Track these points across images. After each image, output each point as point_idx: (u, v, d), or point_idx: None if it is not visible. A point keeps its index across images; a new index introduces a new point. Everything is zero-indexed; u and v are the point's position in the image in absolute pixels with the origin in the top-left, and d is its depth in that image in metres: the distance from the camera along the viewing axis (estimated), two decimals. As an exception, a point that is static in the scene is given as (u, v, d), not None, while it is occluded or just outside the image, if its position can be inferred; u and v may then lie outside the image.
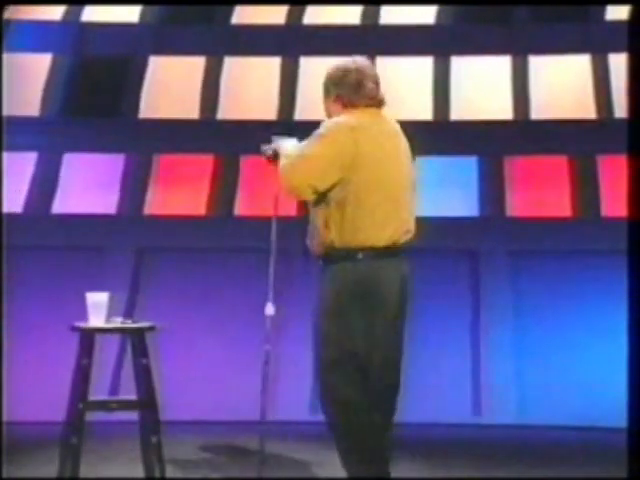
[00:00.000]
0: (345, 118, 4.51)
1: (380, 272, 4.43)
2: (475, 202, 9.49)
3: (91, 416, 5.14)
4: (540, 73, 9.87)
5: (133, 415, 5.31)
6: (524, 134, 9.60)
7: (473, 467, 6.65)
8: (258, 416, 5.21)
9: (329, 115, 4.65)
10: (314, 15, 10.11)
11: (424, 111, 9.76)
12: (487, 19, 9.99)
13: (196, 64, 10.04)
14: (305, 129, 4.58)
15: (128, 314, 7.56)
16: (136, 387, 5.25)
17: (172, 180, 9.69)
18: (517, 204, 9.50)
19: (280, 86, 9.96)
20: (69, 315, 5.32)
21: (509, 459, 7.01)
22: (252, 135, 9.02)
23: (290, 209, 8.04)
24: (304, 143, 4.52)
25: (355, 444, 4.42)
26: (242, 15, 10.18)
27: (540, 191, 9.53)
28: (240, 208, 9.54)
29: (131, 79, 9.98)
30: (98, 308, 5.12)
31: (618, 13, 9.48)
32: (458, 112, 9.79)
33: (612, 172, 9.30)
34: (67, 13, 10.01)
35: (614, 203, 9.12)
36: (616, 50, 9.43)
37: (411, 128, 4.77)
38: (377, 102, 4.59)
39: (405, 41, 9.90)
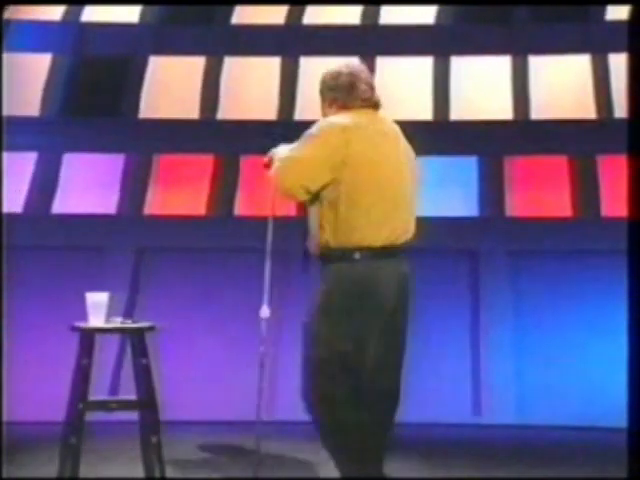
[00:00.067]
0: (338, 118, 4.48)
1: (379, 272, 4.40)
2: (475, 202, 9.49)
3: (91, 416, 5.14)
4: (540, 73, 9.87)
5: (133, 415, 5.31)
6: (524, 134, 9.60)
7: (473, 467, 6.64)
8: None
9: (326, 119, 4.66)
10: (314, 15, 10.11)
11: (424, 111, 9.77)
12: (487, 19, 9.99)
13: (196, 64, 10.04)
14: (305, 129, 4.57)
15: (128, 314, 7.55)
16: (136, 387, 5.24)
17: (172, 180, 9.69)
18: (517, 204, 9.50)
19: (280, 86, 9.96)
20: (69, 315, 5.31)
21: (509, 459, 7.00)
22: (252, 135, 9.17)
23: (289, 209, 8.03)
24: (296, 144, 4.51)
25: (341, 443, 4.38)
26: (242, 15, 10.18)
27: (540, 191, 9.53)
28: (240, 208, 9.54)
29: (131, 79, 9.98)
30: (98, 308, 5.12)
31: (618, 13, 9.48)
32: (458, 112, 9.80)
33: (612, 172, 9.30)
34: (67, 13, 10.02)
35: (614, 203, 9.12)
36: (616, 50, 9.43)
37: (411, 128, 4.76)
38: (371, 104, 4.56)
39: (405, 41, 9.90)
